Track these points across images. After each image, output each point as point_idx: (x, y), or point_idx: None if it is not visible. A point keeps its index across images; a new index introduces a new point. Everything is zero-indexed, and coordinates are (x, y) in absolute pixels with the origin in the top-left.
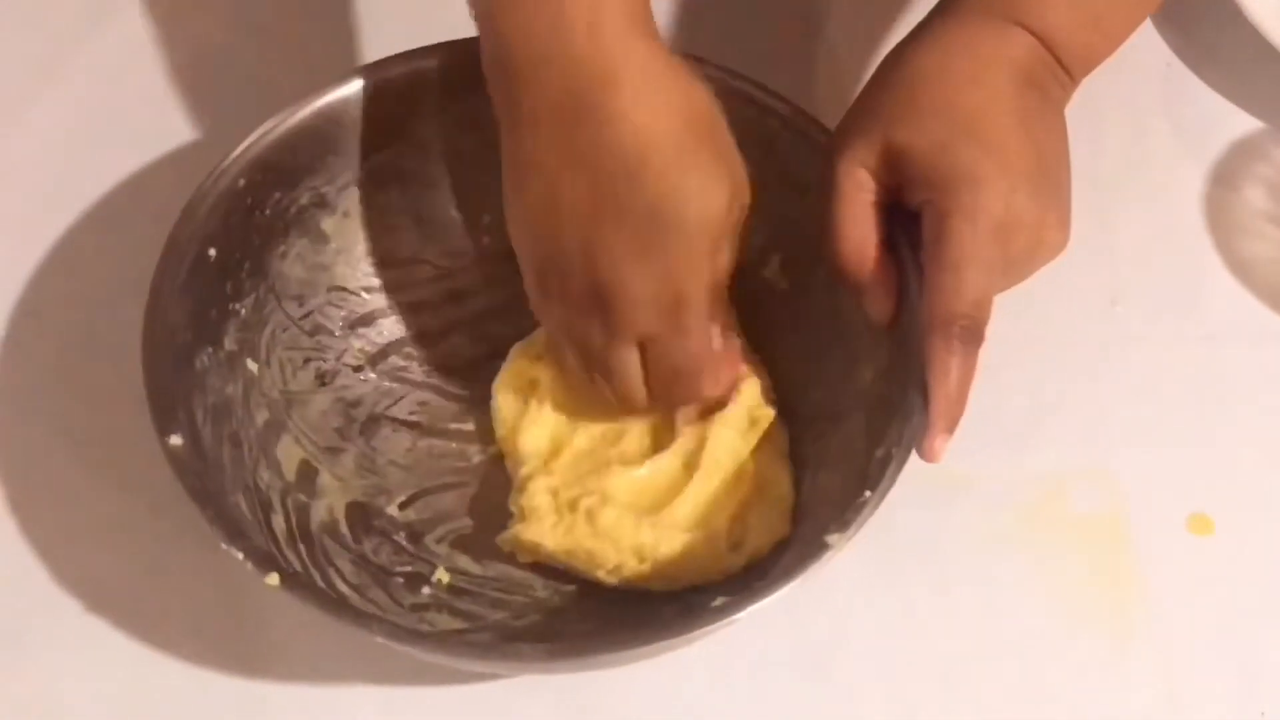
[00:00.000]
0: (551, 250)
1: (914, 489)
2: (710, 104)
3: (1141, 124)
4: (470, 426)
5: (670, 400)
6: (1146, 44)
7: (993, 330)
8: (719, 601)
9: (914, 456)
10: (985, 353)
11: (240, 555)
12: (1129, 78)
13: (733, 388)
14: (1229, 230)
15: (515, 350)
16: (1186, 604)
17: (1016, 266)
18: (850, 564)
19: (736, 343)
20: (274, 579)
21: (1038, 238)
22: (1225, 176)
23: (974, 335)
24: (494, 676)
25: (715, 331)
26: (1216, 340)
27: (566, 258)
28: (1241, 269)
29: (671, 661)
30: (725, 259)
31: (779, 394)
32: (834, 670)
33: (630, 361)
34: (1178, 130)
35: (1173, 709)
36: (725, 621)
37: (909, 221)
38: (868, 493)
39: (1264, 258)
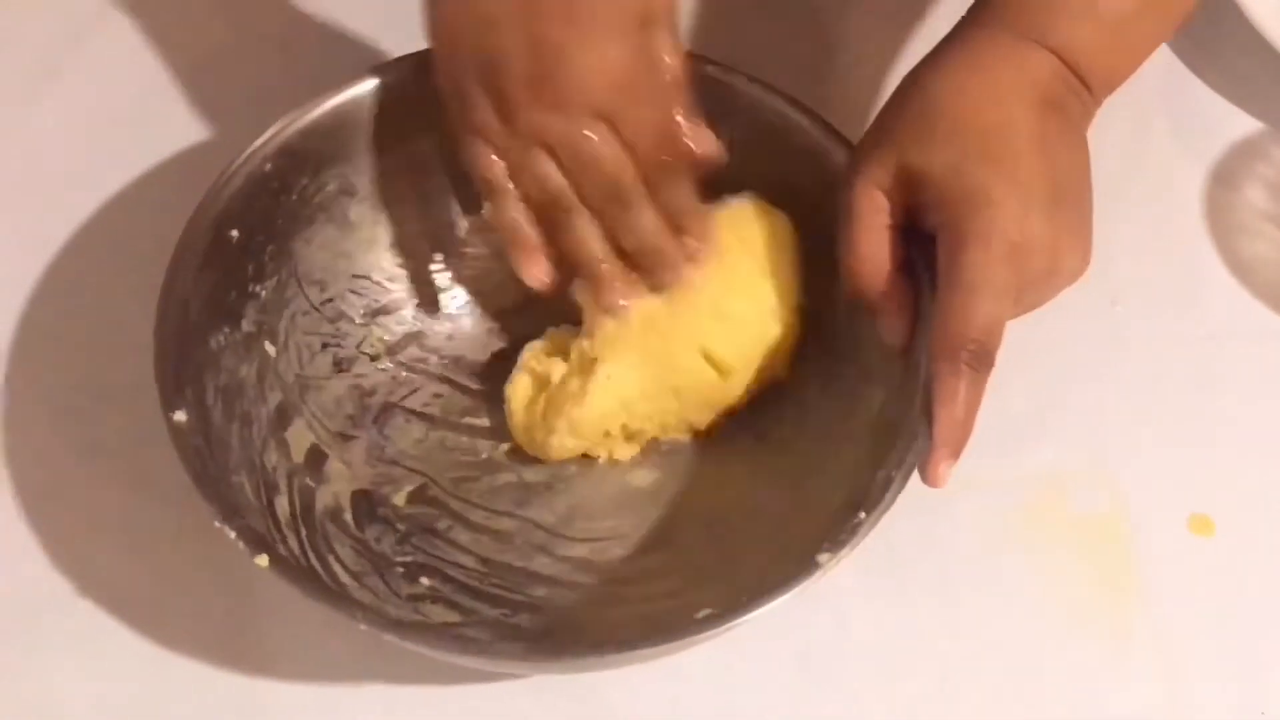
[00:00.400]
0: (482, 51)
1: (914, 490)
2: None
3: (1141, 124)
4: (483, 421)
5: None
6: None
7: None
8: (704, 613)
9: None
10: None
11: (233, 534)
12: (1129, 78)
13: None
14: (1229, 230)
15: (527, 350)
16: (1186, 604)
17: (1031, 291)
18: (850, 564)
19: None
20: (263, 560)
21: (1053, 262)
22: (1225, 176)
23: (983, 360)
24: (496, 676)
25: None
26: (1216, 340)
27: (502, 52)
28: (1241, 269)
29: (673, 663)
30: (665, 43)
31: (788, 412)
32: (834, 670)
33: (597, 140)
34: (1178, 130)
35: (1173, 709)
36: (711, 633)
37: (926, 244)
38: (862, 514)
39: (1264, 258)
